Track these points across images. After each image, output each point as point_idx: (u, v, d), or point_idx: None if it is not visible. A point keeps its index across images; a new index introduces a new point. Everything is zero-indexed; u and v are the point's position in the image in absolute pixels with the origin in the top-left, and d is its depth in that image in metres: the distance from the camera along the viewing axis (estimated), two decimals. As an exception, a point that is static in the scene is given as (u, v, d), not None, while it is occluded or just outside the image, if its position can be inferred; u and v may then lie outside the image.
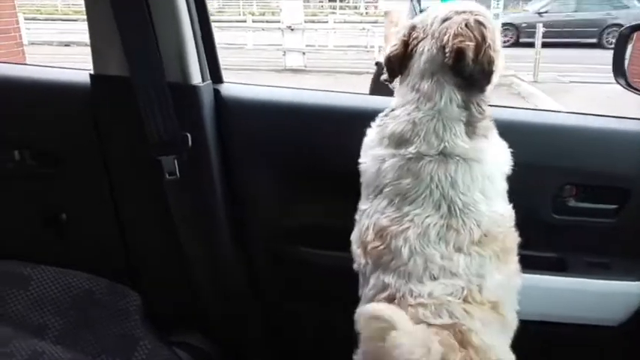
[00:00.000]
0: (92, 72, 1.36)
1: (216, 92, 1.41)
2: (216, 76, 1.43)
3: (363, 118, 1.28)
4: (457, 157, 1.07)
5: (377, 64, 4.09)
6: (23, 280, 1.50)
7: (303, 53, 10.75)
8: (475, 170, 1.08)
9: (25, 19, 11.95)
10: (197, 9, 1.35)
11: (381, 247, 1.07)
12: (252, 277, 1.57)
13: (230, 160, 1.44)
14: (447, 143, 1.07)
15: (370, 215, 1.11)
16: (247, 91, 1.49)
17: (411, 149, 1.07)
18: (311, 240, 1.49)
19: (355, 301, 1.14)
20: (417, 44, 1.11)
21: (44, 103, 1.45)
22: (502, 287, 1.06)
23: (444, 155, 1.07)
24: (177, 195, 1.40)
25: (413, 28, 1.14)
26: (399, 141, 1.10)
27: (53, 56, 11.06)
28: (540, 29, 9.39)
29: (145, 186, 1.43)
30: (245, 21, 13.78)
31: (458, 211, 1.05)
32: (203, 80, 1.37)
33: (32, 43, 11.24)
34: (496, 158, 1.12)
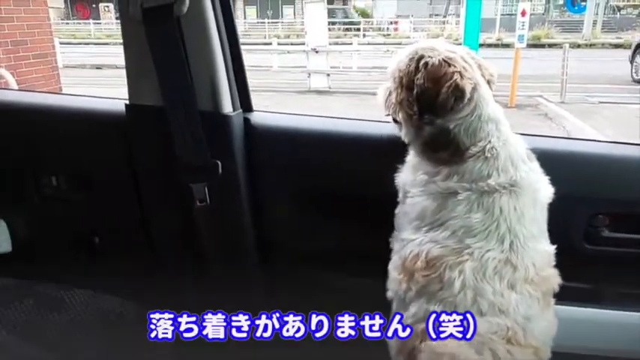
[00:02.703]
0: (127, 102, 1.41)
1: (246, 120, 1.44)
2: (246, 105, 1.46)
3: (391, 146, 1.29)
4: (524, 188, 1.06)
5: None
6: (57, 304, 1.54)
7: (328, 75, 10.84)
8: (537, 201, 1.08)
9: (61, 43, 12.39)
10: (229, 39, 1.39)
11: (432, 275, 1.05)
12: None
13: (258, 187, 1.46)
14: (518, 173, 1.07)
15: (422, 244, 1.10)
16: (276, 119, 1.52)
17: (489, 181, 1.07)
18: (337, 264, 1.50)
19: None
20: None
21: (81, 131, 1.50)
22: (545, 333, 1.05)
23: (515, 186, 1.06)
24: (207, 221, 1.42)
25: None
26: (472, 175, 1.08)
27: (86, 78, 11.40)
28: (567, 48, 9.31)
29: (176, 212, 1.46)
30: (271, 43, 14.02)
31: (519, 247, 1.04)
32: (234, 109, 1.41)
33: (66, 66, 11.62)
34: (547, 188, 1.12)
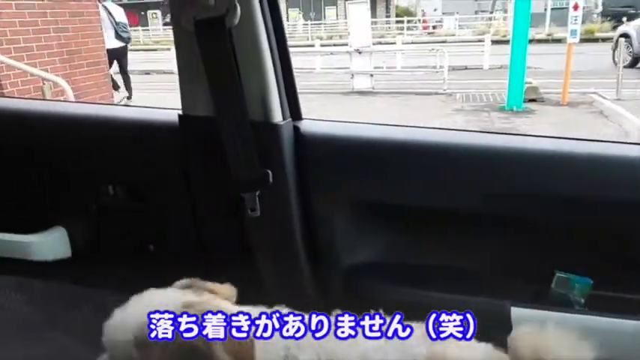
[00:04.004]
0: (180, 112, 1.43)
1: (296, 129, 1.43)
2: (295, 113, 1.46)
3: (442, 154, 1.26)
4: None
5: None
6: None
7: (371, 75, 10.79)
8: None
9: (111, 50, 12.83)
10: (278, 47, 1.39)
11: None
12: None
13: (309, 197, 1.45)
14: None
15: None
16: (326, 127, 1.51)
17: None
18: (391, 276, 1.47)
19: None
20: None
21: (136, 141, 1.54)
22: None
23: None
24: (257, 231, 1.43)
25: None
26: None
27: (135, 84, 11.76)
28: (622, 43, 8.90)
29: (228, 221, 1.47)
30: (313, 45, 14.09)
31: None
32: (284, 118, 1.40)
33: (116, 73, 12.06)
34: None
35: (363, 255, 1.52)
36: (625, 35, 11.06)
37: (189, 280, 1.14)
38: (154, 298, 1.05)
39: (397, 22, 20.45)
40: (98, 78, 7.37)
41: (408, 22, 20.07)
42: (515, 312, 1.34)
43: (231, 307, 1.04)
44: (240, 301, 1.61)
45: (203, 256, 1.56)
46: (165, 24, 23.14)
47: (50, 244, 1.66)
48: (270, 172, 1.36)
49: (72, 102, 4.06)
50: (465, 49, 13.73)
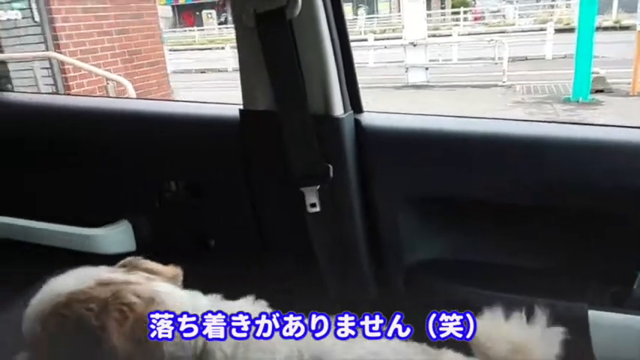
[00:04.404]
0: (241, 107, 1.42)
1: (357, 122, 1.39)
2: (356, 106, 1.41)
3: (506, 145, 1.19)
4: None
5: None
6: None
7: (426, 68, 10.56)
8: None
9: (169, 50, 13.26)
10: (340, 39, 1.35)
11: None
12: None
13: (371, 192, 1.41)
14: None
15: None
16: (387, 119, 1.46)
17: None
18: (456, 275, 1.41)
19: None
20: None
21: (198, 137, 1.54)
22: None
23: None
24: (318, 225, 1.40)
25: None
26: None
27: (192, 82, 12.09)
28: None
29: (288, 216, 1.45)
30: (366, 39, 13.95)
31: None
32: (345, 111, 1.36)
33: (174, 72, 12.44)
34: None
35: (426, 252, 1.46)
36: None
37: (129, 259, 1.11)
38: (73, 275, 1.00)
39: (453, 13, 19.94)
40: (157, 77, 7.62)
41: (465, 12, 19.51)
42: (594, 316, 1.24)
43: (162, 288, 1.01)
44: (300, 296, 1.60)
45: (263, 250, 1.55)
46: (219, 23, 23.66)
47: (116, 238, 1.71)
48: (330, 166, 1.33)
49: (135, 98, 4.18)
50: (526, 38, 13.20)
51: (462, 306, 1.38)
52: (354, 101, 1.40)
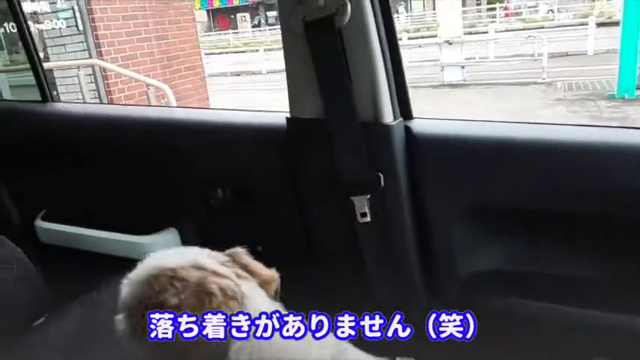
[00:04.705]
0: (288, 115, 1.41)
1: (407, 129, 1.36)
2: (406, 112, 1.39)
3: (562, 152, 1.14)
4: None
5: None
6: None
7: (462, 67, 10.38)
8: None
9: (205, 54, 13.45)
10: (389, 44, 1.32)
11: None
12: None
13: (422, 201, 1.38)
14: None
15: None
16: (438, 126, 1.42)
17: None
18: (511, 286, 1.36)
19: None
20: None
21: (245, 144, 1.55)
22: None
23: None
24: (367, 235, 1.38)
25: None
26: None
27: (227, 85, 12.23)
28: None
29: (337, 225, 1.43)
30: (400, 39, 13.80)
31: None
32: (395, 118, 1.34)
33: (210, 75, 12.62)
34: None
35: (479, 263, 1.42)
36: None
37: (236, 250, 1.13)
38: (176, 252, 1.06)
39: (489, 9, 19.54)
40: (195, 82, 7.73)
41: (501, 9, 19.09)
42: None
43: (246, 290, 1.00)
44: (352, 307, 1.58)
45: (311, 259, 1.54)
46: (253, 26, 23.89)
47: (163, 245, 1.72)
48: (381, 175, 1.30)
49: (182, 107, 4.25)
50: (565, 34, 12.81)
51: (519, 321, 1.35)
52: (403, 107, 1.37)
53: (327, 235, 1.49)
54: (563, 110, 7.50)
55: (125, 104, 5.58)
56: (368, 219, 1.33)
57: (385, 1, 1.30)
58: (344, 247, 1.45)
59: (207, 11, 24.65)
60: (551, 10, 18.17)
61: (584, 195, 1.24)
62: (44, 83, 1.85)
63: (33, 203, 1.98)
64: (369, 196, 1.32)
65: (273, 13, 24.10)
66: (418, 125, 1.38)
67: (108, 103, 6.18)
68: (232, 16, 24.75)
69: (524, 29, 13.90)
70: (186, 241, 1.76)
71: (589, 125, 1.55)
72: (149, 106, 4.54)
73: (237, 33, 22.94)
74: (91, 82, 6.35)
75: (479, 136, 1.37)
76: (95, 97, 6.26)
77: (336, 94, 1.28)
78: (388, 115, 1.32)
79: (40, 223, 1.91)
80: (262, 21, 24.16)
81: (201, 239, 1.72)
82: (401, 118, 1.36)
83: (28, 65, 1.83)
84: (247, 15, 24.50)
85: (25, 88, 5.50)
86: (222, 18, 25.30)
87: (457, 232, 1.39)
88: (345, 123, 1.29)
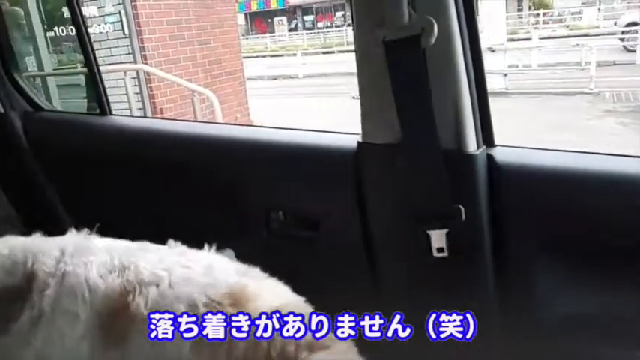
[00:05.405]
0: (360, 139, 1.33)
1: (490, 158, 1.26)
2: (489, 139, 1.29)
3: None
4: None
5: None
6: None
7: (505, 75, 10.11)
8: None
9: (243, 58, 13.50)
10: (474, 66, 1.23)
11: None
12: None
13: (504, 237, 1.27)
14: None
15: None
16: (523, 156, 1.32)
17: None
18: (601, 334, 1.24)
19: None
20: None
21: (310, 167, 1.48)
22: None
23: None
24: (443, 272, 1.28)
25: None
26: None
27: (263, 89, 12.27)
28: None
29: (407, 258, 1.35)
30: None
31: None
32: (478, 146, 1.24)
33: (248, 79, 12.69)
34: None
35: (564, 306, 1.30)
36: None
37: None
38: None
39: (531, 15, 19.06)
40: (235, 86, 7.76)
41: (544, 15, 18.60)
42: None
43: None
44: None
45: (377, 292, 1.45)
46: (290, 30, 23.97)
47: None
48: (462, 207, 1.21)
49: (244, 125, 4.24)
50: (613, 42, 12.35)
51: None
52: (486, 134, 1.28)
53: (396, 270, 1.40)
54: (611, 122, 7.20)
55: (185, 120, 5.59)
56: (445, 254, 1.24)
57: (472, 20, 1.21)
58: (415, 285, 1.36)
59: (245, 15, 24.85)
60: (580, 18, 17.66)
61: None
62: (103, 96, 1.82)
63: (87, 216, 1.95)
64: (447, 230, 1.23)
65: (309, 17, 24.17)
66: (501, 154, 1.28)
67: (152, 108, 6.24)
68: (269, 20, 24.90)
69: (568, 37, 13.49)
70: (242, 261, 1.70)
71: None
72: (209, 122, 4.53)
73: (273, 37, 23.06)
74: (135, 85, 6.43)
75: (566, 168, 1.26)
76: (138, 101, 6.33)
77: (417, 120, 1.19)
78: (472, 144, 1.23)
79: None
80: (299, 25, 24.22)
81: (258, 262, 1.66)
82: (484, 147, 1.26)
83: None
84: (284, 19, 24.60)
85: (70, 87, 5.65)
86: (260, 22, 25.47)
87: (539, 271, 1.28)
88: (425, 150, 1.20)
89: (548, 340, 1.29)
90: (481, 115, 1.26)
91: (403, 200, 1.26)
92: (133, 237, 1.82)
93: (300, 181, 1.49)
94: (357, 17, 1.24)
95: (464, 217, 1.21)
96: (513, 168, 1.27)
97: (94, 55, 1.81)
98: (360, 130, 1.35)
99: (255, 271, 1.17)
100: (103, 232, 1.90)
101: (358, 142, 1.34)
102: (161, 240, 1.76)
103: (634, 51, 10.21)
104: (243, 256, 1.69)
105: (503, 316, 1.31)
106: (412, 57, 1.15)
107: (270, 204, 1.58)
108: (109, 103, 1.83)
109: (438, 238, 1.23)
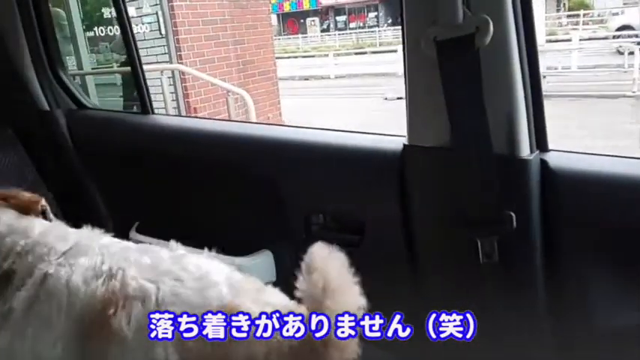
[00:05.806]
0: (406, 141, 1.30)
1: (543, 163, 1.21)
2: (542, 144, 1.23)
3: None
4: None
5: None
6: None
7: (544, 77, 9.85)
8: None
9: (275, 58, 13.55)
10: (530, 68, 1.18)
11: None
12: None
13: (557, 246, 1.21)
14: None
15: None
16: (578, 161, 1.25)
17: None
18: None
19: None
20: None
21: (353, 169, 1.44)
22: None
23: None
24: (491, 280, 1.23)
25: None
26: None
27: (295, 89, 12.28)
28: None
29: (453, 264, 1.30)
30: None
31: None
32: (531, 151, 1.19)
33: (280, 79, 12.72)
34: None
35: (618, 316, 1.23)
36: None
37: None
38: None
39: (569, 16, 18.53)
40: (268, 86, 7.79)
41: (584, 15, 18.07)
42: None
43: None
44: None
45: (419, 295, 1.40)
46: (322, 31, 23.96)
47: (257, 267, 1.65)
48: (513, 214, 1.16)
49: (286, 125, 4.25)
50: (657, 43, 11.90)
51: None
52: (540, 138, 1.22)
53: (443, 275, 1.35)
54: None
55: (223, 119, 5.64)
56: (495, 261, 1.19)
57: (529, 20, 1.15)
58: (461, 289, 1.31)
59: (278, 15, 24.97)
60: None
61: None
62: (146, 95, 1.82)
63: (128, 214, 1.97)
64: (497, 237, 1.18)
65: (342, 18, 24.10)
66: (555, 159, 1.22)
67: (186, 108, 6.32)
68: (302, 21, 24.95)
69: (605, 38, 13.06)
70: (281, 265, 1.68)
71: None
72: (249, 122, 4.54)
73: (306, 37, 23.09)
74: (170, 85, 6.52)
75: (623, 175, 1.19)
76: (173, 100, 6.41)
77: (469, 123, 1.14)
78: (525, 148, 1.17)
79: (134, 235, 1.89)
80: (331, 25, 24.19)
81: (297, 265, 1.64)
82: (537, 151, 1.21)
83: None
84: (317, 19, 24.62)
85: (106, 86, 5.77)
86: (292, 22, 25.55)
87: (594, 280, 1.22)
88: (477, 155, 1.15)
89: (603, 350, 1.23)
90: (535, 119, 1.20)
91: (451, 204, 1.21)
92: (172, 236, 1.83)
93: (342, 184, 1.46)
94: (407, 15, 1.20)
95: (515, 223, 1.15)
96: (568, 173, 1.20)
97: (138, 54, 1.82)
98: (404, 132, 1.31)
99: (253, 283, 1.11)
100: (142, 231, 1.91)
101: (404, 145, 1.30)
102: (198, 240, 1.77)
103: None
104: (281, 258, 1.68)
105: (555, 324, 1.25)
106: (465, 57, 1.10)
107: (311, 206, 1.56)
108: (151, 102, 1.84)
109: (486, 244, 1.18)
